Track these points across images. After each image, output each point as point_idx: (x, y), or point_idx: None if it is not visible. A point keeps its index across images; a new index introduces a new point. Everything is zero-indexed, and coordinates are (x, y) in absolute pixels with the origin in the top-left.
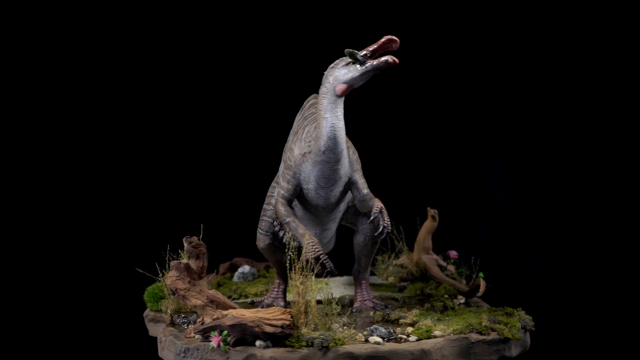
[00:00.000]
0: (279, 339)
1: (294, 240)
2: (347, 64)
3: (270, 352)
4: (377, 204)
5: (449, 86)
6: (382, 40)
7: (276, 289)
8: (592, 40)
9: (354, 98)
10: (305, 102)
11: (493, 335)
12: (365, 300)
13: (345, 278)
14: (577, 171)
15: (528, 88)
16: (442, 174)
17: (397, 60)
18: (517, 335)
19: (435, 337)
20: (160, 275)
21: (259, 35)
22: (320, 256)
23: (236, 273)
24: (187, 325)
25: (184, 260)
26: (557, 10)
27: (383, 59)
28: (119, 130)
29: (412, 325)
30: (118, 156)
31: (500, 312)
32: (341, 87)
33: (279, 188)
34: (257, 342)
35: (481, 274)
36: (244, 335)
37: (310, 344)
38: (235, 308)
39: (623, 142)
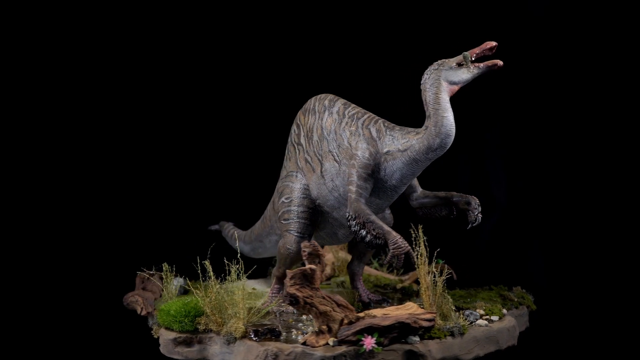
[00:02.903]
0: (421, 331)
1: (377, 238)
2: (454, 67)
3: (424, 345)
4: (476, 198)
5: None
6: (488, 46)
7: (277, 295)
8: (591, 45)
9: (356, 96)
10: (321, 103)
11: (523, 310)
12: (369, 295)
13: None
14: (576, 171)
15: (528, 89)
16: (442, 174)
17: (502, 64)
18: (534, 307)
19: (505, 314)
20: (199, 289)
21: (253, 38)
22: (410, 251)
23: (172, 285)
24: (278, 336)
25: (312, 266)
26: (556, 18)
27: (494, 61)
28: (115, 132)
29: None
30: (107, 158)
31: (498, 291)
32: (452, 88)
33: (356, 187)
34: (411, 338)
35: (440, 260)
36: (399, 334)
37: (451, 333)
38: (353, 309)
39: (623, 142)
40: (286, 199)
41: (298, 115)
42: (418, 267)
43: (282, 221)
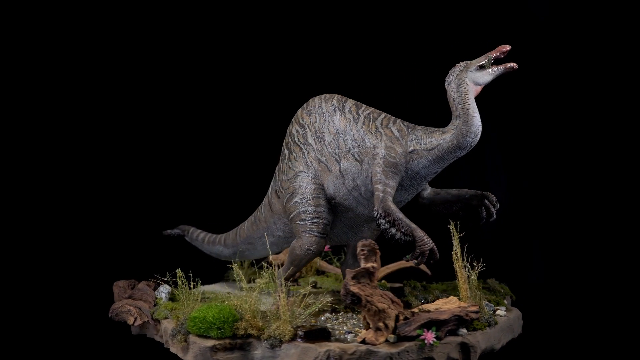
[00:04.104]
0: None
1: (405, 235)
2: (478, 68)
3: (473, 337)
4: (492, 195)
5: None
6: (503, 49)
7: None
8: (593, 47)
9: (358, 96)
10: (329, 103)
11: (509, 300)
12: None
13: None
14: (577, 171)
15: (528, 89)
16: (442, 174)
17: (517, 66)
18: (514, 297)
19: (505, 304)
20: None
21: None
22: (433, 248)
23: (160, 293)
24: (329, 337)
25: (373, 264)
26: (559, 18)
27: (511, 64)
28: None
29: None
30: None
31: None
32: (477, 89)
33: (383, 186)
34: (460, 330)
35: (408, 256)
36: (456, 326)
37: (488, 324)
38: (402, 305)
39: (623, 142)
40: (300, 199)
41: (299, 115)
42: (457, 267)
43: (298, 222)
